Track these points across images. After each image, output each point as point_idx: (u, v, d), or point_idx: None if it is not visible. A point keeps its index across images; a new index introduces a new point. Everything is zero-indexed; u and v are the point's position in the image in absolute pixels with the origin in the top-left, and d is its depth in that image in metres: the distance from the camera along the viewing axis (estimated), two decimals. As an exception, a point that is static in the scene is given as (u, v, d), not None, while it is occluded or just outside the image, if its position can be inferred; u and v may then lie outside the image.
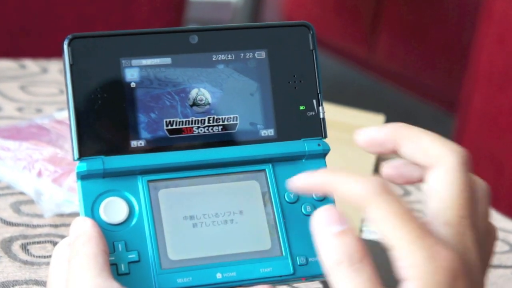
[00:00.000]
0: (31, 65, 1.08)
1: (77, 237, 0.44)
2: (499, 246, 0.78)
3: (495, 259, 0.76)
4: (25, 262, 0.65)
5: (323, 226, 0.42)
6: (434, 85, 2.47)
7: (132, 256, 0.45)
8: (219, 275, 0.46)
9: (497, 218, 0.84)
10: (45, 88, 1.02)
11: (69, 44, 0.46)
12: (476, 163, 1.65)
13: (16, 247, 0.67)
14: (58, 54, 1.38)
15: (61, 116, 0.87)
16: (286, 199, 0.48)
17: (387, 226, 0.41)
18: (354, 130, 0.94)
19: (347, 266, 0.40)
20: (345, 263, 0.40)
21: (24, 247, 0.67)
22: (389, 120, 0.97)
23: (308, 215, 0.47)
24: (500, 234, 0.80)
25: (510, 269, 0.74)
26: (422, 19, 2.49)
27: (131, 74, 0.47)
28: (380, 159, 0.93)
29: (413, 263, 0.40)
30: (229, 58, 0.49)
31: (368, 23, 2.66)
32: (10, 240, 0.68)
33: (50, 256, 0.66)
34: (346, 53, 2.72)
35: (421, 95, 2.55)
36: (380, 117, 0.96)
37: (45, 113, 0.93)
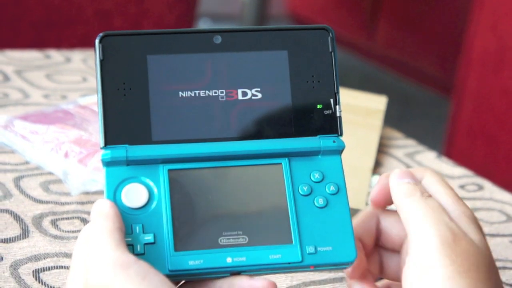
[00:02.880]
0: (56, 55, 1.08)
1: (96, 215, 0.45)
2: (496, 217, 0.78)
3: (493, 229, 0.75)
4: (55, 237, 0.65)
5: (399, 178, 0.50)
6: (430, 70, 2.46)
7: (148, 238, 0.45)
8: (229, 259, 0.45)
9: (494, 190, 0.83)
10: (69, 76, 1.02)
11: (100, 41, 0.47)
12: (472, 142, 1.65)
13: (46, 223, 0.67)
14: (79, 45, 1.37)
15: (85, 101, 0.87)
16: (300, 191, 0.48)
17: (442, 184, 0.50)
18: (358, 110, 0.94)
19: (420, 196, 0.48)
20: (418, 194, 0.48)
21: (53, 223, 0.67)
22: (389, 103, 0.97)
23: (321, 208, 0.48)
24: (497, 205, 0.80)
25: (508, 237, 0.74)
26: (419, 8, 2.47)
27: (157, 70, 0.47)
28: (383, 138, 0.93)
29: (456, 203, 0.49)
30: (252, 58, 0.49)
31: (367, 13, 2.65)
32: (41, 216, 0.68)
33: (78, 231, 0.66)
34: (347, 41, 2.71)
35: (419, 80, 2.55)
36: (383, 98, 0.95)
37: (70, 99, 0.93)
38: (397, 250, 0.52)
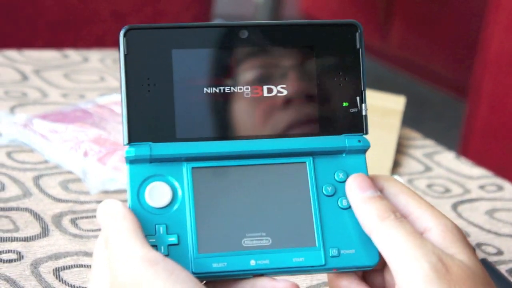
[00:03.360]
0: (73, 55, 1.08)
1: (111, 216, 0.43)
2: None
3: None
4: (75, 236, 0.65)
5: (360, 191, 0.45)
6: (444, 71, 2.45)
7: (172, 239, 0.44)
8: (253, 262, 0.45)
9: (514, 191, 0.82)
10: (87, 75, 1.01)
11: (124, 35, 0.46)
12: (488, 143, 1.63)
13: (66, 221, 0.67)
14: (96, 44, 1.37)
15: (103, 101, 0.87)
16: (324, 192, 0.47)
17: (411, 195, 0.46)
18: (377, 111, 0.93)
19: (394, 219, 0.44)
20: (392, 217, 0.44)
21: (73, 222, 0.67)
22: (405, 104, 0.97)
23: (345, 209, 0.46)
24: (518, 206, 0.79)
25: (529, 238, 0.73)
26: (432, 9, 2.46)
27: (182, 65, 0.46)
28: (401, 138, 0.92)
29: (433, 216, 0.45)
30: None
31: (381, 14, 2.64)
32: (60, 215, 0.67)
33: (97, 230, 0.66)
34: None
35: (433, 81, 2.53)
36: (401, 99, 0.95)
37: (88, 98, 0.93)
38: (378, 269, 0.48)
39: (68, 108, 0.85)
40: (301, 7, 2.98)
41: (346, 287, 0.46)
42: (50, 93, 0.94)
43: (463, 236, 0.45)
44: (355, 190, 0.46)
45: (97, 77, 1.01)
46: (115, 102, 0.86)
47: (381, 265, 0.47)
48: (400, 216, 0.45)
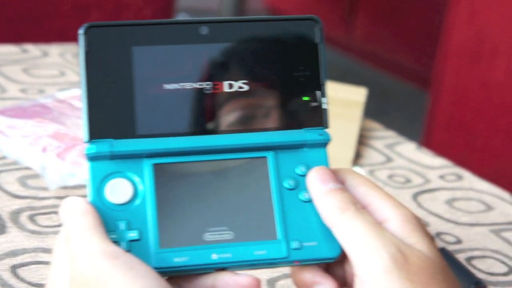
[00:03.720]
0: (33, 49, 1.06)
1: (72, 212, 0.43)
2: (475, 206, 0.78)
3: (473, 218, 0.75)
4: (33, 232, 0.64)
5: (322, 184, 0.45)
6: (408, 63, 2.47)
7: (133, 234, 0.44)
8: (214, 256, 0.45)
9: (473, 180, 0.83)
10: (47, 70, 1.00)
11: (85, 33, 0.45)
12: (449, 134, 1.65)
13: (23, 218, 0.66)
14: (57, 39, 1.35)
15: (63, 96, 0.86)
16: (285, 185, 0.47)
17: (371, 187, 0.46)
18: (339, 102, 0.93)
19: (354, 210, 0.44)
20: (352, 208, 0.44)
21: (31, 218, 0.66)
22: (368, 96, 0.97)
23: (306, 202, 0.46)
24: (476, 195, 0.80)
25: (487, 227, 0.74)
26: (396, 1, 2.48)
27: (142, 62, 0.46)
28: (363, 129, 0.93)
29: (393, 207, 0.45)
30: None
31: (346, 7, 2.64)
32: (18, 211, 0.66)
33: (56, 226, 0.65)
34: (325, 35, 2.70)
35: (397, 73, 2.55)
36: (363, 90, 0.95)
37: (47, 93, 0.92)
38: (338, 261, 0.47)
39: (27, 103, 0.83)
40: (265, 0, 2.98)
41: (310, 279, 0.46)
42: (9, 88, 0.93)
43: (422, 226, 0.45)
44: (316, 183, 0.46)
45: (57, 72, 1.00)
46: (75, 97, 0.85)
47: (341, 256, 0.47)
48: (361, 207, 0.45)
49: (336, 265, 0.48)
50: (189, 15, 3.26)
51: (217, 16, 3.04)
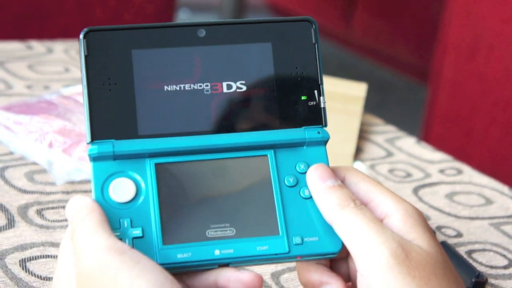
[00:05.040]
0: (37, 46, 1.07)
1: (78, 210, 0.44)
2: (475, 200, 0.78)
3: (473, 212, 0.76)
4: (41, 226, 0.64)
5: (321, 181, 0.46)
6: (407, 57, 2.47)
7: (137, 232, 0.45)
8: (217, 252, 0.45)
9: (473, 174, 0.84)
10: (51, 66, 1.00)
11: (84, 37, 0.46)
12: (448, 127, 1.65)
13: (31, 212, 0.66)
14: (61, 35, 1.36)
15: (68, 92, 0.86)
16: (286, 183, 0.47)
17: (371, 183, 0.46)
18: (340, 98, 0.93)
19: (353, 207, 0.44)
20: (351, 205, 0.45)
21: (39, 213, 0.66)
22: (367, 90, 0.97)
23: (307, 198, 0.47)
24: (476, 189, 0.81)
25: (487, 220, 0.74)
26: (395, -3, 2.47)
27: (142, 65, 0.47)
28: (363, 124, 0.93)
29: (394, 202, 0.45)
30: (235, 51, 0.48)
31: (345, 2, 2.64)
32: (26, 206, 0.67)
33: (63, 220, 0.65)
34: (324, 30, 2.70)
35: (396, 67, 2.55)
36: (363, 85, 0.95)
37: (53, 89, 0.92)
38: (343, 257, 0.48)
39: (32, 99, 0.84)
40: (265, -5, 2.98)
41: (318, 280, 0.47)
42: (15, 85, 0.93)
43: (423, 221, 0.45)
44: (316, 180, 0.46)
45: (62, 68, 1.00)
46: (80, 93, 0.85)
47: (345, 253, 0.47)
48: (360, 204, 0.45)
49: (340, 261, 0.48)
50: (190, 11, 3.25)
51: (218, 11, 3.03)
